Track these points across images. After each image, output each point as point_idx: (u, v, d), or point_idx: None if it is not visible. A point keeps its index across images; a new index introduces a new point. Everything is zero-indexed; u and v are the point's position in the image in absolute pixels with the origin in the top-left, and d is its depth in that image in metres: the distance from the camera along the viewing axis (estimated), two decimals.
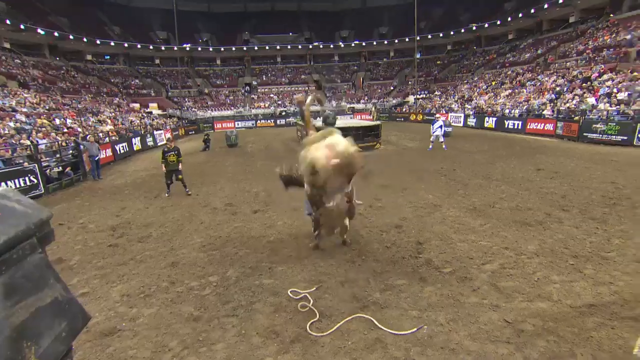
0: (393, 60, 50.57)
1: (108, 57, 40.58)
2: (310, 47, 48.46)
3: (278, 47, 47.84)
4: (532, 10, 34.03)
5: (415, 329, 3.51)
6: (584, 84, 22.01)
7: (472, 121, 26.78)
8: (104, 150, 15.69)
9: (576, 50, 28.21)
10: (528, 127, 20.78)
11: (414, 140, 19.86)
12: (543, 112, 21.56)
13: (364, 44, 48.68)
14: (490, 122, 24.43)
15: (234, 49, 46.50)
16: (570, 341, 3.27)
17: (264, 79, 47.70)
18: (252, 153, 17.45)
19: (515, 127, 21.81)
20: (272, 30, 47.56)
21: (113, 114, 26.31)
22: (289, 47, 47.90)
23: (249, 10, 49.32)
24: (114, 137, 19.25)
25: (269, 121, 36.86)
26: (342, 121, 23.20)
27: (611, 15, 28.76)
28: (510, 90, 29.31)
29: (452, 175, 10.14)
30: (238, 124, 35.53)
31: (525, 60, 33.48)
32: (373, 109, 35.15)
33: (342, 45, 49.17)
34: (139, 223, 7.24)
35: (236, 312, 3.96)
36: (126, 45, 39.40)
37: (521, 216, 6.48)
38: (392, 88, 46.72)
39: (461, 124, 27.75)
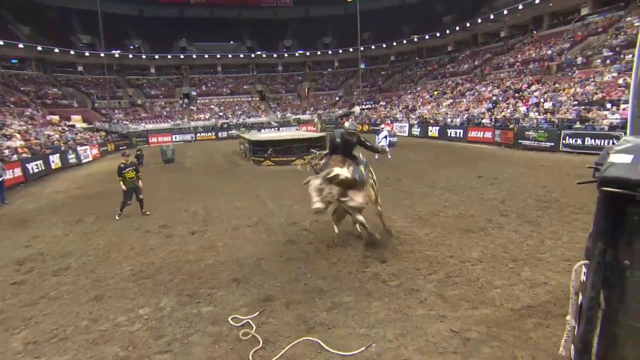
0: (338, 71, 52.15)
1: (15, 61, 36.92)
2: (253, 56, 48.40)
3: (218, 56, 47.11)
4: (468, 24, 37.19)
5: (363, 348, 3.49)
6: (516, 94, 24.36)
7: (416, 130, 28.25)
8: (10, 170, 14.10)
9: (508, 63, 31.23)
10: (469, 135, 22.38)
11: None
12: (482, 121, 23.41)
13: (308, 53, 49.74)
14: (434, 131, 25.94)
15: (170, 57, 44.91)
16: (512, 344, 3.44)
17: (204, 89, 46.54)
18: (190, 168, 16.76)
19: (457, 135, 23.38)
20: (211, 38, 46.68)
21: (24, 127, 23.86)
22: (230, 55, 47.38)
23: (186, 15, 48.03)
24: (24, 155, 17.42)
25: (209, 134, 35.86)
26: (285, 133, 23.25)
27: (534, 32, 32.38)
28: (451, 100, 31.52)
29: (397, 185, 10.51)
30: (175, 138, 34.07)
31: (464, 71, 36.34)
32: (317, 120, 35.67)
33: (286, 55, 49.81)
34: (54, 253, 6.52)
35: (170, 347, 3.65)
36: (40, 48, 36.11)
37: (464, 223, 6.85)
38: (337, 98, 48.01)
39: (406, 134, 29.13)
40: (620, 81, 18.32)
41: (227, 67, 49.06)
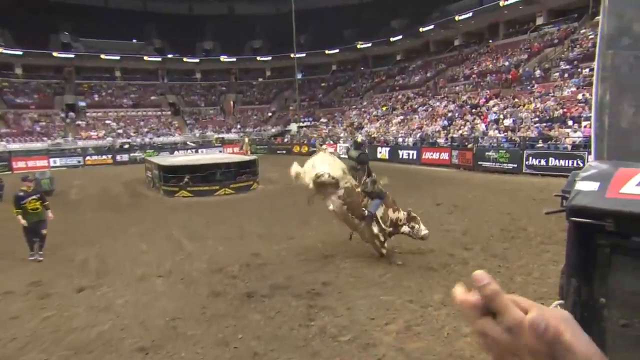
0: (270, 81, 53.08)
1: None
2: (162, 59, 47.45)
3: (118, 58, 45.33)
4: (419, 29, 40.09)
5: None
6: (474, 110, 26.53)
7: None
8: None
9: (463, 75, 34.10)
10: (423, 156, 23.71)
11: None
12: (437, 140, 25.01)
13: (233, 59, 50.04)
14: (383, 152, 27.10)
15: (53, 54, 42.11)
16: None
17: (97, 98, 44.30)
18: (77, 202, 15.65)
19: (410, 157, 24.65)
20: (106, 33, 44.69)
21: None
22: (133, 57, 45.96)
23: (69, 1, 44.13)
24: None
25: (104, 157, 33.94)
26: (205, 156, 22.83)
27: (490, 41, 35.94)
28: (402, 117, 33.40)
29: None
30: (55, 162, 31.69)
31: (416, 84, 38.93)
32: (246, 140, 35.42)
33: (206, 60, 49.60)
34: None
35: None
36: None
37: (424, 260, 7.15)
38: (270, 114, 48.62)
39: None
40: (580, 96, 20.81)
41: (129, 72, 47.45)
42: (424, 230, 7.14)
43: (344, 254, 7.68)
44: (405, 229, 7.21)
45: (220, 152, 33.60)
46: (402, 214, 7.29)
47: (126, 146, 36.80)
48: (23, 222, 8.04)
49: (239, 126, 45.51)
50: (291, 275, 6.64)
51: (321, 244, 8.39)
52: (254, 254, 7.83)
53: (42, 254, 8.36)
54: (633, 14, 1.97)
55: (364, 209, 7.06)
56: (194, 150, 36.09)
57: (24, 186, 8.26)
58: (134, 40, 47.61)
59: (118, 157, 33.96)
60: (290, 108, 48.20)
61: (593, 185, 1.65)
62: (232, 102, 50.11)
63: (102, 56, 44.53)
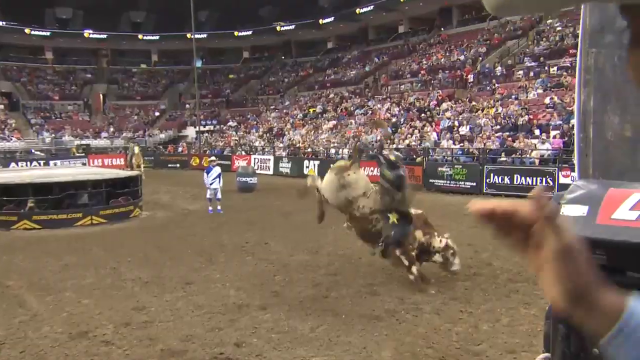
0: (158, 69, 52.04)
1: None
2: None
3: None
4: (356, 11, 41.39)
5: None
6: (423, 115, 27.89)
7: (285, 166, 29.57)
8: None
9: (410, 70, 35.88)
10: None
11: (199, 199, 20.25)
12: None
13: (103, 35, 48.31)
14: (311, 167, 27.50)
15: None
16: None
17: None
18: None
19: None
20: None
21: None
22: None
23: None
24: None
25: None
26: (61, 171, 21.67)
27: (442, 29, 38.22)
28: (334, 122, 34.22)
29: (263, 253, 10.75)
30: None
31: (351, 80, 40.20)
32: (136, 149, 31.17)
33: (61, 34, 47.13)
34: None
35: None
36: None
37: (367, 306, 7.30)
38: (157, 114, 47.51)
39: (270, 171, 30.17)
40: (547, 100, 22.72)
41: None
42: (456, 265, 7.99)
43: (265, 300, 7.63)
44: (437, 257, 8.06)
45: (84, 165, 32.07)
46: (436, 240, 8.08)
47: None
48: None
49: (112, 129, 43.82)
50: (190, 335, 6.46)
51: (233, 290, 8.28)
52: (136, 308, 7.52)
53: None
54: (616, 7, 2.21)
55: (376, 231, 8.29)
56: (42, 162, 33.99)
57: None
58: None
59: None
60: (187, 107, 47.44)
61: (581, 210, 1.81)
62: (101, 96, 48.22)
63: None
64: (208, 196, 16.34)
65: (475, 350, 5.86)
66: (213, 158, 18.03)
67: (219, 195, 16.27)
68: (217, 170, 16.28)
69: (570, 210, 1.86)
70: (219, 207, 16.28)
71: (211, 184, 16.06)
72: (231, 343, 6.22)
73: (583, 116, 2.14)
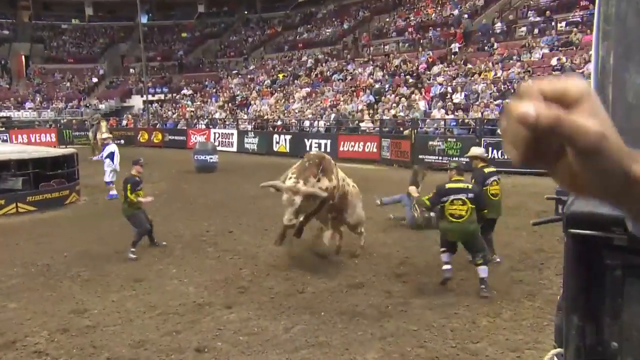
0: (94, 25, 50.98)
1: None
2: None
3: None
4: None
5: None
6: (411, 80, 27.94)
7: (252, 142, 29.48)
8: None
9: (396, 28, 35.82)
10: (341, 148, 24.48)
11: (150, 181, 19.99)
12: (360, 124, 25.89)
13: None
14: (282, 142, 27.47)
15: None
16: None
17: None
18: None
19: (323, 149, 25.20)
20: None
21: None
22: None
23: None
24: None
25: None
26: None
27: None
28: (308, 89, 34.06)
29: (226, 243, 10.76)
30: None
31: (327, 40, 40.00)
32: (103, 124, 29.63)
33: None
34: None
35: None
36: None
37: (349, 302, 7.38)
38: (95, 80, 46.69)
39: (234, 148, 30.05)
40: (554, 61, 22.93)
41: None
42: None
43: (230, 298, 7.65)
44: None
45: (4, 142, 31.41)
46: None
47: None
48: (149, 199, 11.09)
49: (38, 99, 42.93)
50: (142, 340, 6.45)
51: (192, 287, 8.27)
52: (76, 311, 7.47)
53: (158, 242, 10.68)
54: None
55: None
56: None
57: (134, 170, 10.71)
58: None
59: None
60: (131, 71, 46.68)
61: None
62: (23, 58, 47.06)
63: None
64: (106, 179, 16.42)
65: (473, 349, 5.96)
66: (106, 135, 17.95)
67: (108, 178, 16.36)
68: (109, 148, 16.38)
69: None
70: (112, 192, 16.25)
71: (104, 161, 16.32)
72: (191, 348, 6.23)
73: (601, 75, 2.14)
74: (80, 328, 6.93)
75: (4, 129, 36.22)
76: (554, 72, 22.23)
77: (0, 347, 6.54)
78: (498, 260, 8.75)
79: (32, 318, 7.33)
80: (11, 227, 13.17)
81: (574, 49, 23.02)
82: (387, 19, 37.66)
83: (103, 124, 27.84)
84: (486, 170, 9.19)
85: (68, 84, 45.84)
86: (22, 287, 8.66)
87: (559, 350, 2.09)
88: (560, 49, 23.91)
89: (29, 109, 41.63)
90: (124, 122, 39.03)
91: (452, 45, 29.30)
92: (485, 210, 8.05)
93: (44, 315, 7.39)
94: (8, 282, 8.93)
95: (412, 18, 35.70)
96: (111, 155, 16.29)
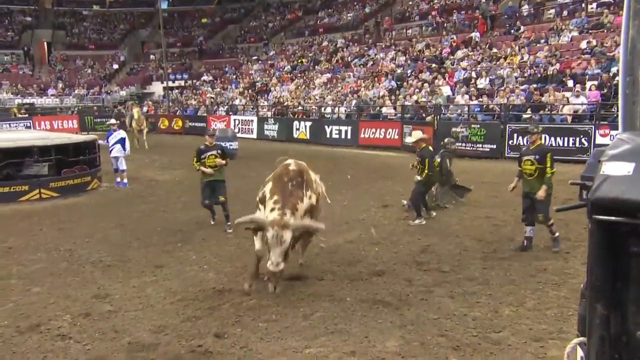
0: (114, 11, 51.18)
1: None
2: None
3: None
4: None
5: None
6: (434, 65, 27.67)
7: (271, 129, 29.50)
8: None
9: (418, 11, 35.45)
10: (362, 135, 24.39)
11: (169, 168, 20.18)
12: (381, 110, 25.75)
13: None
14: (302, 129, 27.43)
15: None
16: None
17: None
18: None
19: (343, 136, 25.23)
20: None
21: None
22: None
23: None
24: None
25: None
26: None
27: None
28: (329, 74, 33.92)
29: (246, 231, 10.71)
30: None
31: (348, 24, 39.73)
32: (135, 110, 28.99)
33: None
34: None
35: None
36: None
37: (369, 290, 7.35)
38: (116, 67, 46.93)
39: (254, 134, 30.12)
40: (583, 44, 22.53)
41: None
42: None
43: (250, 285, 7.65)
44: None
45: (28, 128, 31.77)
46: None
47: None
48: (208, 170, 11.14)
49: (60, 86, 43.32)
50: (162, 326, 6.51)
51: (212, 273, 8.32)
52: (98, 296, 7.55)
53: (230, 225, 10.57)
54: None
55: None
56: None
57: (207, 141, 11.55)
58: None
59: None
60: (152, 58, 46.86)
61: (626, 168, 1.78)
62: (45, 44, 47.48)
63: None
64: (114, 166, 16.45)
65: (495, 338, 5.90)
66: (113, 121, 17.97)
67: (123, 166, 16.39)
68: (118, 135, 16.42)
69: (614, 169, 1.83)
70: (125, 180, 16.54)
71: (111, 150, 16.20)
72: (211, 334, 6.25)
73: (631, 55, 2.09)
74: (102, 313, 7.01)
75: (27, 115, 36.67)
76: (583, 56, 21.91)
77: (25, 329, 6.65)
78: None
79: (55, 302, 7.44)
80: (35, 213, 13.34)
81: (605, 31, 22.47)
82: (410, 2, 37.29)
83: (135, 110, 28.10)
84: (430, 148, 11.69)
85: (89, 71, 46.15)
86: (45, 271, 8.78)
87: (582, 339, 2.07)
88: (590, 31, 23.46)
89: (52, 95, 42.01)
90: (145, 109, 39.25)
91: (473, 34, 28.88)
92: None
93: (67, 299, 7.49)
94: (32, 266, 9.07)
95: (435, 1, 35.30)
96: (122, 141, 16.32)
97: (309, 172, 8.02)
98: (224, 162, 11.27)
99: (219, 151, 11.31)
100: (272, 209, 7.06)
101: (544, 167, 8.69)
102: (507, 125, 19.38)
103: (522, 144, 18.62)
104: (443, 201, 12.45)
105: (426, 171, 10.78)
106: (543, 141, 9.37)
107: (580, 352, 2.17)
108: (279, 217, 6.83)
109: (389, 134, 23.31)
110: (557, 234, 8.75)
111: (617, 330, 1.88)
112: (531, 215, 8.66)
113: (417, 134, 12.18)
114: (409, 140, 13.69)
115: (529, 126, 10.28)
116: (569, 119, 18.80)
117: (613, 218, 1.82)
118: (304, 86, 34.06)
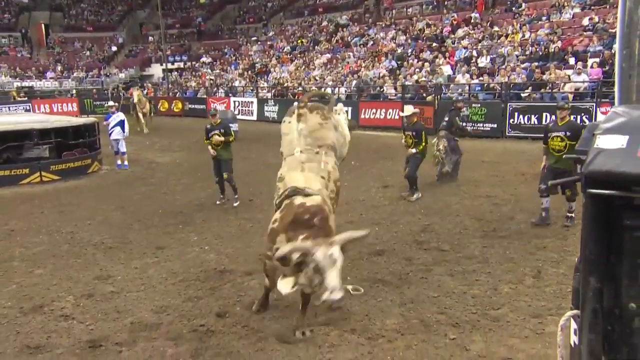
0: None
1: None
2: None
3: None
4: None
5: None
6: (434, 44, 27.54)
7: (272, 110, 29.42)
8: None
9: None
10: (362, 115, 24.33)
11: (170, 150, 20.21)
12: (381, 90, 25.68)
13: None
14: None
15: None
16: None
17: None
18: None
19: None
20: None
21: None
22: None
23: None
24: None
25: None
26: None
27: None
28: (329, 55, 33.77)
29: (247, 211, 10.96)
30: None
31: (348, 4, 39.45)
32: (137, 94, 28.88)
33: None
34: None
35: None
36: None
37: (369, 269, 7.44)
38: (114, 49, 46.71)
39: (254, 116, 30.08)
40: (585, 21, 22.39)
41: None
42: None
43: (250, 265, 7.71)
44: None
45: (28, 111, 31.73)
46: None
47: None
48: (212, 152, 11.67)
49: (59, 68, 43.18)
50: (164, 306, 6.59)
51: (213, 254, 8.39)
52: (100, 277, 7.64)
53: (238, 197, 11.61)
54: None
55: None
56: None
57: (212, 117, 12.18)
58: None
59: None
60: (150, 39, 46.64)
61: (619, 141, 1.79)
62: (43, 26, 47.21)
63: None
64: (114, 148, 16.54)
65: (494, 315, 5.97)
66: (111, 103, 17.98)
67: (123, 148, 16.50)
68: (117, 117, 16.47)
69: (607, 142, 1.84)
70: (125, 163, 16.67)
71: (110, 133, 16.28)
72: (212, 314, 6.33)
73: (627, 28, 2.09)
74: (105, 294, 7.09)
75: (26, 98, 36.59)
76: (585, 33, 21.80)
77: (29, 310, 6.72)
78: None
79: (58, 284, 7.52)
80: (36, 196, 13.41)
81: (607, 7, 22.32)
82: None
83: (136, 93, 27.97)
84: (422, 122, 12.81)
85: (88, 53, 45.96)
86: (47, 254, 8.85)
87: (575, 312, 2.10)
88: (592, 7, 23.32)
89: (51, 78, 41.89)
90: (144, 91, 39.12)
91: (472, 15, 28.68)
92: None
93: (69, 281, 7.58)
94: (34, 249, 9.14)
95: None
96: (121, 123, 16.36)
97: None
98: (222, 139, 11.56)
99: (221, 130, 11.68)
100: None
101: (576, 143, 8.66)
102: (508, 104, 19.34)
103: (522, 122, 18.65)
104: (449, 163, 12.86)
105: (423, 143, 11.51)
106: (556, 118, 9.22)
107: (573, 325, 2.20)
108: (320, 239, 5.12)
109: (389, 114, 23.25)
110: (574, 212, 8.80)
111: (610, 303, 1.91)
112: (549, 188, 8.61)
113: (410, 109, 12.58)
114: (402, 114, 14.08)
115: (560, 102, 10.25)
116: (571, 97, 18.73)
117: (607, 191, 1.83)
118: (303, 67, 33.94)
